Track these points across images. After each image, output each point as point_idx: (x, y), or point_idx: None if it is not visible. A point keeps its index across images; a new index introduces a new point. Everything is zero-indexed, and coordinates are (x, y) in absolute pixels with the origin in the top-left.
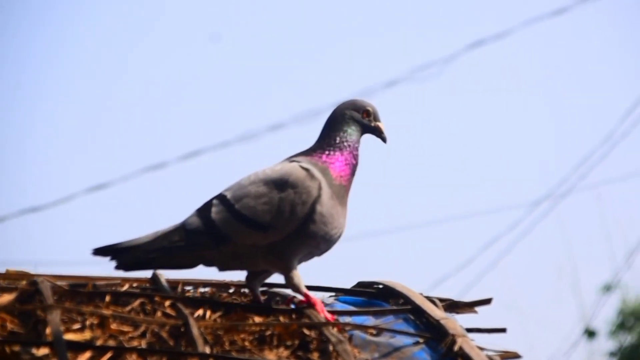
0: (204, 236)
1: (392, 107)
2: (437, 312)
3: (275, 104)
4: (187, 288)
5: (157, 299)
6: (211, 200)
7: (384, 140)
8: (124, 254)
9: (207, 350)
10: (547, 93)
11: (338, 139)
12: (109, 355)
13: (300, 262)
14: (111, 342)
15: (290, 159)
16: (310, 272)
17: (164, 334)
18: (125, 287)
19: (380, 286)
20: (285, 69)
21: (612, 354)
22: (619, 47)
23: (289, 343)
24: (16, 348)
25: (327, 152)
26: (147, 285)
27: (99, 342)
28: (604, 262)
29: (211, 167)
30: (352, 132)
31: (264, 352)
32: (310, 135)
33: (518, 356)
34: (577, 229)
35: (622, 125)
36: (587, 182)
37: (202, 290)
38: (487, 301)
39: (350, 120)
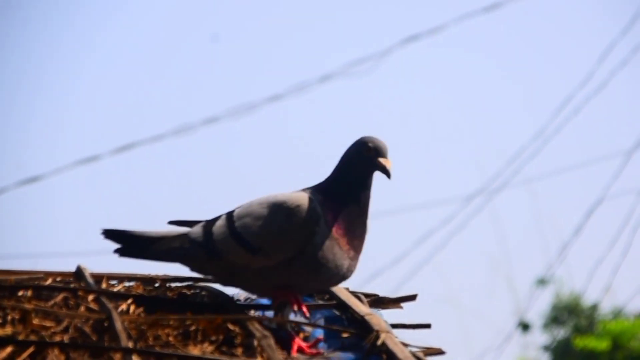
0: (201, 248)
1: (326, 101)
2: (361, 308)
3: (209, 97)
4: (112, 282)
5: (80, 293)
6: (222, 215)
7: (388, 176)
8: (130, 242)
9: (131, 345)
10: (480, 88)
11: (340, 182)
12: (30, 350)
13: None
14: (33, 337)
15: (307, 188)
16: None
17: (87, 329)
18: (49, 281)
19: None
20: (220, 63)
21: (545, 348)
22: (552, 42)
23: (213, 338)
24: None
25: (328, 198)
26: (71, 279)
27: (20, 337)
28: (538, 256)
29: (146, 160)
30: (353, 171)
31: (188, 347)
32: (246, 129)
33: (442, 352)
34: (511, 223)
35: (555, 120)
36: (521, 177)
37: (127, 284)
38: (412, 297)
39: (354, 158)
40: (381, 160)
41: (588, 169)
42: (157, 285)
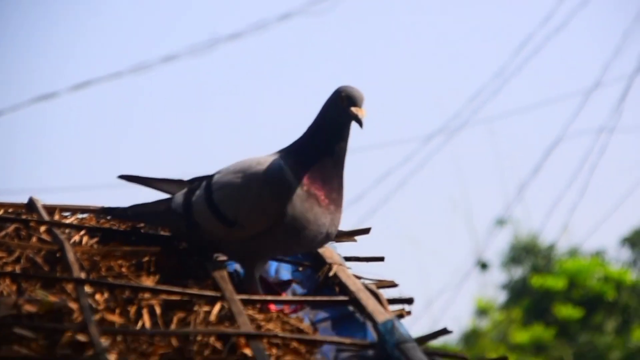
0: (181, 218)
1: (286, 40)
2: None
3: (169, 35)
4: (65, 214)
5: (32, 224)
6: (202, 180)
7: (360, 125)
8: (119, 213)
9: (83, 275)
10: (441, 27)
11: (316, 137)
12: None
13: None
14: None
15: (279, 154)
16: None
17: (39, 260)
18: (0, 212)
19: None
20: (180, 2)
21: (503, 286)
22: None
23: (166, 269)
24: None
25: (302, 156)
26: (23, 211)
27: None
28: (497, 196)
29: (104, 98)
30: (331, 123)
31: (140, 279)
32: (206, 67)
33: (394, 285)
34: (471, 162)
35: (514, 60)
36: (480, 116)
37: (80, 216)
38: (366, 230)
39: (331, 109)
40: (353, 109)
41: (547, 109)
42: (109, 217)
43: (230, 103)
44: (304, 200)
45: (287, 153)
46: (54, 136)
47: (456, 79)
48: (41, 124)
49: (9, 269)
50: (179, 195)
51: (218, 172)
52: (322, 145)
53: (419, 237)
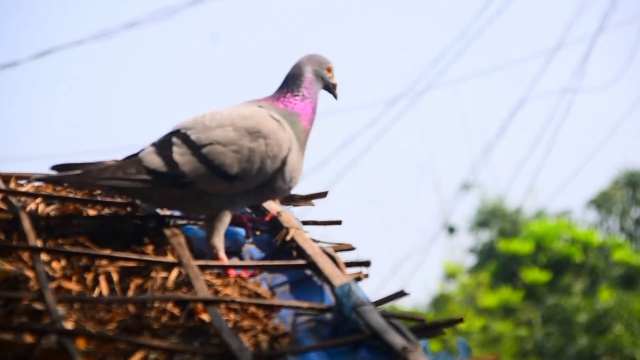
0: (164, 177)
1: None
2: (272, 205)
3: (130, 1)
4: (21, 182)
5: None
6: (170, 137)
7: (335, 97)
8: (74, 177)
9: (39, 243)
10: None
11: (304, 90)
12: None
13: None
14: None
15: (256, 104)
16: None
17: None
18: None
19: None
20: None
21: (470, 250)
22: None
23: (123, 236)
24: None
25: (294, 100)
26: None
27: None
28: (463, 159)
29: (65, 66)
30: (316, 87)
31: (97, 246)
32: (167, 33)
33: (352, 248)
34: (436, 126)
35: (477, 21)
36: (444, 79)
37: (36, 184)
38: (323, 194)
39: (315, 75)
40: (336, 82)
41: (511, 70)
42: (66, 184)
43: (187, 66)
44: (297, 151)
45: (265, 107)
46: (16, 105)
47: (419, 41)
48: (3, 93)
49: None
50: (151, 156)
51: (183, 128)
52: (306, 100)
53: (385, 201)
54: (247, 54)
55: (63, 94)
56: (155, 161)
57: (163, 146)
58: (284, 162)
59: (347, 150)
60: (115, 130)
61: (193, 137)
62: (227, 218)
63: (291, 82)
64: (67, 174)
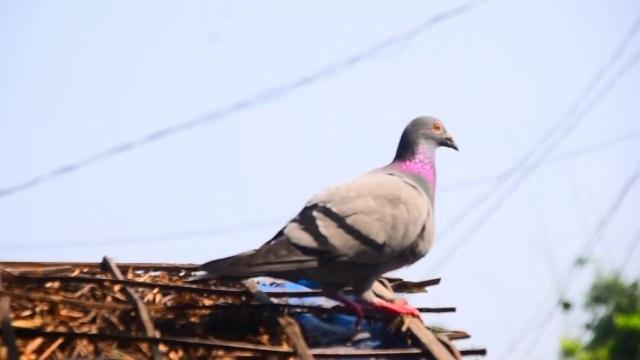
0: (315, 253)
1: (354, 83)
2: (386, 293)
3: (239, 82)
4: (138, 272)
5: (107, 284)
6: (309, 212)
7: (456, 148)
8: (228, 267)
9: (157, 334)
10: (511, 66)
11: (419, 156)
12: (59, 341)
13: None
14: (61, 329)
15: (383, 172)
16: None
17: (114, 319)
18: (76, 272)
19: None
20: (248, 48)
21: (587, 326)
22: (582, 17)
23: (239, 326)
24: None
25: (416, 165)
26: (97, 270)
27: (49, 329)
28: (577, 234)
29: (177, 147)
30: (429, 148)
31: (213, 336)
32: (276, 114)
33: (467, 336)
34: (548, 201)
35: (587, 96)
36: (555, 154)
37: (152, 274)
38: (436, 281)
39: (425, 137)
40: (450, 135)
41: (623, 144)
42: (182, 274)
43: (302, 148)
44: (433, 214)
45: (401, 174)
46: (128, 187)
47: (530, 116)
48: (116, 176)
49: (85, 329)
50: (298, 232)
51: (324, 201)
52: (426, 164)
53: (498, 277)
54: (354, 131)
55: (174, 174)
56: (303, 237)
57: (306, 222)
58: (424, 226)
59: (457, 227)
60: (224, 209)
61: (334, 209)
62: (372, 281)
63: (404, 151)
64: (220, 266)
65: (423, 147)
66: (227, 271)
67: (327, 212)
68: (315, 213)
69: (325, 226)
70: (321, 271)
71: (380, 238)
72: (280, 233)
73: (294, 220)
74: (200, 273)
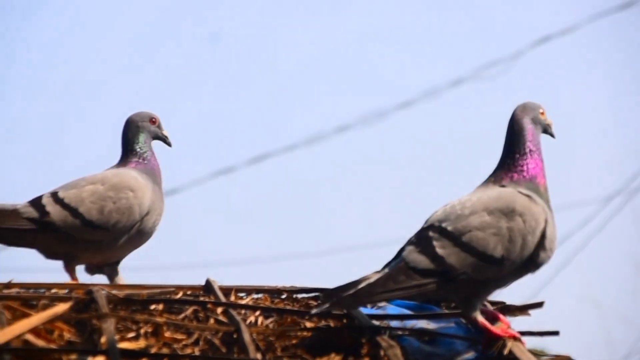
0: (434, 275)
1: (458, 106)
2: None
3: (340, 105)
4: (240, 295)
5: (209, 306)
6: (426, 233)
7: (553, 136)
8: (350, 299)
9: (259, 356)
10: (617, 86)
11: (529, 145)
12: None
13: None
14: (165, 350)
15: (495, 184)
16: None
17: (217, 341)
18: (179, 295)
19: None
20: (350, 70)
21: None
22: None
23: (340, 348)
24: (72, 356)
25: (524, 161)
26: (201, 292)
27: (153, 350)
28: None
29: (279, 170)
30: (538, 133)
31: (315, 358)
32: (375, 136)
33: (570, 359)
34: None
35: None
36: None
37: (255, 296)
38: (539, 304)
39: (534, 122)
40: (550, 120)
41: None
42: (284, 296)
43: (402, 171)
44: (552, 218)
45: (511, 179)
46: (231, 210)
47: (633, 138)
48: (219, 198)
49: (188, 351)
50: (415, 255)
51: (439, 221)
52: (533, 153)
53: (601, 300)
54: (456, 155)
55: (275, 198)
56: (420, 260)
57: (422, 243)
58: (543, 235)
59: (560, 249)
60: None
61: (450, 228)
62: (485, 297)
63: (515, 141)
64: (341, 298)
65: (533, 136)
66: (349, 303)
67: (442, 232)
68: (431, 233)
69: (442, 246)
70: (442, 291)
71: (498, 252)
72: (399, 254)
73: (410, 243)
74: (321, 305)
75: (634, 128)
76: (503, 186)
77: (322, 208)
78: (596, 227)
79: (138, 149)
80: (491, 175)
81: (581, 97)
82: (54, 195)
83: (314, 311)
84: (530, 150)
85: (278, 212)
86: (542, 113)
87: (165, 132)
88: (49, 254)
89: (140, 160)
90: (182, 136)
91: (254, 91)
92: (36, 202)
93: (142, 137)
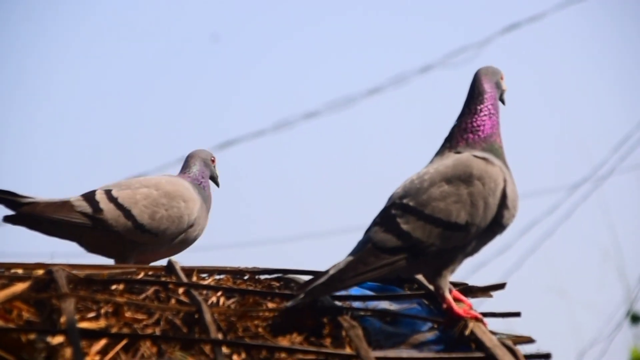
0: (403, 251)
1: (426, 93)
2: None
3: (309, 91)
4: (202, 275)
5: (171, 286)
6: (389, 211)
7: (503, 103)
8: (322, 288)
9: (220, 336)
10: (583, 74)
11: (488, 104)
12: (123, 343)
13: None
14: (125, 330)
15: (451, 149)
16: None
17: (178, 321)
18: (141, 275)
19: None
20: (318, 56)
21: None
22: None
23: (301, 329)
24: (31, 336)
25: (482, 120)
26: (162, 273)
27: (113, 330)
28: None
29: (246, 157)
30: (496, 95)
31: (277, 338)
32: (345, 122)
33: (531, 340)
34: (620, 211)
35: None
36: (628, 163)
37: (217, 277)
38: (501, 286)
39: (496, 86)
40: (504, 87)
41: None
42: (246, 277)
43: (370, 159)
44: (511, 177)
45: (460, 144)
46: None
47: (602, 125)
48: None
49: (149, 331)
50: (381, 235)
51: (400, 197)
52: (488, 112)
53: (567, 288)
54: (425, 143)
55: (240, 184)
56: (387, 239)
57: (387, 222)
58: (504, 195)
59: (527, 237)
60: (294, 219)
61: (412, 203)
62: (455, 265)
63: (476, 101)
64: (313, 287)
65: (492, 98)
66: (322, 292)
67: (405, 208)
68: (394, 211)
69: (406, 222)
70: (413, 266)
71: (462, 219)
72: (365, 237)
73: (375, 223)
74: (295, 298)
75: (602, 115)
76: (458, 152)
77: (289, 195)
78: (563, 215)
79: (195, 170)
80: (446, 141)
81: (548, 84)
82: (108, 192)
83: (289, 304)
84: (490, 112)
85: (244, 199)
86: (502, 78)
87: (217, 172)
88: (92, 248)
89: (195, 178)
90: (155, 119)
91: (219, 77)
92: (89, 197)
93: (201, 167)
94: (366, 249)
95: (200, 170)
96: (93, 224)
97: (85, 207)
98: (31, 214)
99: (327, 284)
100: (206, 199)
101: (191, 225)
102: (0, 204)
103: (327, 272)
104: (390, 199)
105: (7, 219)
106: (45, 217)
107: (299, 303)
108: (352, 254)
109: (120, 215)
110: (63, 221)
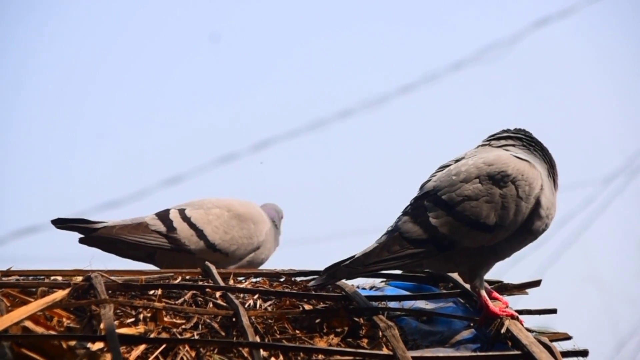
0: (427, 243)
1: (458, 89)
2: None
3: (343, 90)
4: (239, 279)
5: (208, 290)
6: (421, 202)
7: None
8: (345, 270)
9: (258, 339)
10: (617, 67)
11: None
12: (162, 347)
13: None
14: (164, 335)
15: (500, 145)
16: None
17: (216, 325)
18: (178, 280)
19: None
20: (352, 55)
21: None
22: None
23: (338, 330)
24: (72, 343)
25: None
26: (199, 277)
27: (152, 335)
28: None
29: (282, 156)
30: None
31: (314, 340)
32: (379, 120)
33: (568, 337)
34: None
35: None
36: None
37: (253, 280)
38: (536, 283)
39: None
40: None
41: None
42: (282, 280)
43: (405, 156)
44: (549, 186)
45: (510, 149)
46: (237, 196)
47: (636, 117)
48: (224, 185)
49: (187, 335)
50: (409, 225)
51: (434, 189)
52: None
53: (605, 280)
54: (458, 140)
55: (277, 183)
56: (414, 230)
57: (416, 213)
58: (537, 202)
59: (563, 230)
60: (332, 219)
61: (444, 197)
62: (488, 267)
63: None
64: (336, 269)
65: None
66: (344, 274)
67: (436, 201)
68: (425, 203)
69: (435, 216)
70: (437, 260)
71: (490, 220)
72: (395, 225)
73: (405, 213)
74: (317, 278)
75: (635, 107)
76: (505, 148)
77: (325, 194)
78: (599, 207)
79: (271, 210)
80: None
81: (581, 79)
82: (182, 212)
83: (311, 283)
84: None
85: (281, 199)
86: None
87: (281, 229)
88: (164, 266)
89: (271, 213)
90: (187, 122)
91: (258, 77)
92: (163, 216)
93: (274, 213)
94: (393, 237)
95: (274, 213)
96: (167, 243)
97: (160, 226)
98: (108, 237)
99: (350, 267)
100: (276, 233)
101: (259, 247)
102: (74, 231)
103: (353, 256)
104: (422, 187)
105: (84, 241)
106: (121, 239)
107: (321, 283)
108: (379, 240)
109: (193, 235)
110: (139, 242)
